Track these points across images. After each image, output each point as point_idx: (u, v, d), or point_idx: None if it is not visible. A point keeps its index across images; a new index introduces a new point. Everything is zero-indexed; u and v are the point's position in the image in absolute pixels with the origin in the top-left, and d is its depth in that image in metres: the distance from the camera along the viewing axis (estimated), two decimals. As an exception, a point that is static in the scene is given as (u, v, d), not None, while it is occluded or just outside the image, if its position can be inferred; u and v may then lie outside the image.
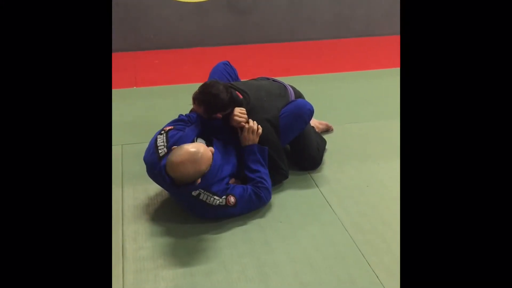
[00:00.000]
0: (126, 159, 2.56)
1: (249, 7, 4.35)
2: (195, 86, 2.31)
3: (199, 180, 1.97)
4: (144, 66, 3.98)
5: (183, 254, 1.93)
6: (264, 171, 2.19)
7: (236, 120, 2.20)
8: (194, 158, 1.92)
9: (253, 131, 2.20)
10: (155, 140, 2.11)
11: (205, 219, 2.08)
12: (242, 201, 2.08)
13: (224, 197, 2.04)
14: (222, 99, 2.15)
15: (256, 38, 4.48)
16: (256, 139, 2.22)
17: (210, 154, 1.99)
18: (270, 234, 2.05)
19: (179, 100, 3.13)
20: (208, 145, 2.12)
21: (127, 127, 2.92)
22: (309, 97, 2.91)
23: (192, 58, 4.16)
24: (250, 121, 2.21)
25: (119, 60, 4.07)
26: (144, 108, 3.21)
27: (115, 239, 1.99)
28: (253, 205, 2.13)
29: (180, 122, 2.23)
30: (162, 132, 2.14)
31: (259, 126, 2.22)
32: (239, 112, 2.21)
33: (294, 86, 2.67)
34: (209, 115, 2.20)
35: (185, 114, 2.29)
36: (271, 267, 1.87)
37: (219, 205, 2.03)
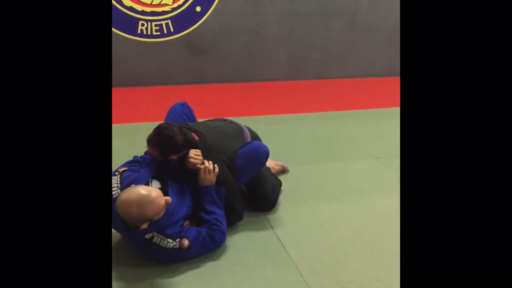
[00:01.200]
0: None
1: (207, 46, 4.43)
2: (153, 125, 2.29)
3: (145, 225, 1.93)
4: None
5: (134, 300, 1.87)
6: (219, 213, 2.18)
7: (191, 162, 2.20)
8: (142, 200, 1.88)
9: (209, 171, 2.20)
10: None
11: (159, 262, 2.04)
12: (196, 244, 2.06)
13: (178, 240, 2.01)
14: (176, 141, 2.15)
15: (215, 77, 4.54)
16: (214, 179, 2.21)
17: (161, 202, 1.94)
18: (225, 277, 2.02)
19: (136, 139, 3.08)
20: (163, 187, 2.11)
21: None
22: (266, 137, 2.96)
23: (150, 97, 4.16)
24: (206, 161, 2.22)
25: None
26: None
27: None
28: (208, 248, 2.11)
29: (134, 163, 2.21)
30: (116, 173, 2.11)
31: (215, 165, 2.23)
32: (194, 154, 2.21)
33: (250, 126, 2.71)
34: (164, 157, 2.19)
35: (140, 156, 2.27)
36: (225, 312, 1.84)
37: (172, 248, 2.00)
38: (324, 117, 3.96)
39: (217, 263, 2.10)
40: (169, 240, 1.98)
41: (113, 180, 2.06)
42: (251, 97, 4.36)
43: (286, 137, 3.48)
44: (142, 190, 1.91)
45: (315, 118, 3.90)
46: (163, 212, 1.97)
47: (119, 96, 4.12)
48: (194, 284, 1.97)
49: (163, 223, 1.98)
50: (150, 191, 1.92)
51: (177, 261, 2.05)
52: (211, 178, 2.20)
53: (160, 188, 2.08)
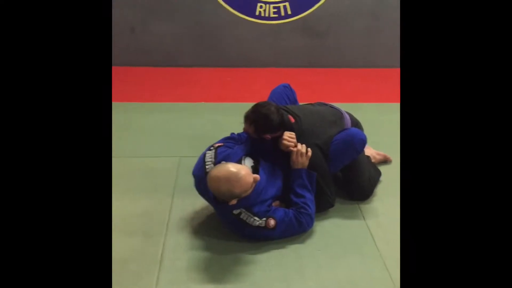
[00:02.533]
0: (182, 171, 2.65)
1: (324, 30, 4.36)
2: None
3: (234, 201, 1.98)
4: (216, 83, 4.12)
5: (217, 271, 1.96)
6: (309, 197, 2.17)
7: (284, 144, 2.21)
8: (230, 177, 1.93)
9: (302, 154, 2.20)
10: (204, 155, 2.18)
11: (244, 238, 2.10)
12: (282, 225, 2.08)
13: (264, 219, 2.05)
14: (272, 120, 2.18)
15: (329, 62, 4.46)
16: (306, 163, 2.21)
17: (249, 180, 1.97)
18: (306, 261, 2.02)
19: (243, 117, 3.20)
20: (255, 165, 2.15)
21: (188, 140, 3.03)
22: (372, 126, 2.87)
23: (264, 78, 4.23)
24: (299, 144, 2.21)
25: (193, 75, 4.25)
26: (208, 123, 3.31)
27: (156, 247, 2.07)
28: (293, 230, 2.12)
29: (230, 140, 2.28)
30: (212, 148, 2.20)
31: (309, 149, 2.21)
32: (288, 136, 2.22)
33: (358, 113, 2.63)
34: (259, 135, 2.23)
35: (237, 133, 2.34)
36: (301, 295, 1.85)
37: (258, 226, 2.04)
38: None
39: (301, 246, 2.11)
40: (255, 218, 2.03)
41: (208, 155, 2.16)
42: (365, 83, 4.22)
43: (394, 126, 3.30)
44: (231, 167, 1.97)
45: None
46: (251, 189, 2.02)
47: (235, 76, 4.27)
48: (274, 263, 2.00)
49: (251, 201, 2.03)
50: (239, 169, 1.96)
51: (262, 240, 2.09)
52: (303, 162, 2.19)
53: (252, 166, 2.14)
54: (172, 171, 2.67)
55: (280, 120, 2.21)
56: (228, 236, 2.13)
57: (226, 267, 1.98)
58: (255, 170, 2.14)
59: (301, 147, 2.20)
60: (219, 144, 2.22)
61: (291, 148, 2.20)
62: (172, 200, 2.41)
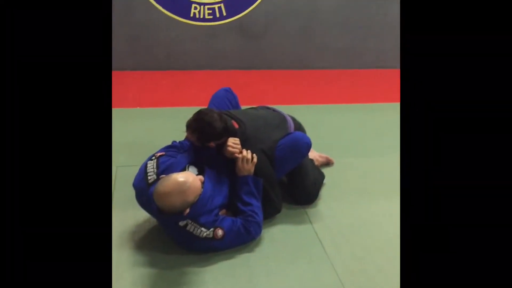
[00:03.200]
0: (119, 182, 2.52)
1: (260, 32, 4.35)
2: (198, 109, 2.27)
3: (187, 211, 1.91)
4: (151, 86, 3.98)
5: (165, 287, 1.86)
6: (256, 204, 2.13)
7: (229, 151, 2.15)
8: (181, 188, 1.85)
9: (247, 160, 2.15)
10: (145, 166, 2.08)
11: (191, 250, 2.02)
12: (230, 235, 2.02)
13: (212, 229, 1.98)
14: (215, 127, 2.11)
15: (266, 64, 4.47)
16: (252, 169, 2.16)
17: (198, 184, 1.92)
18: (256, 270, 1.97)
19: (181, 123, 3.09)
20: (200, 173, 2.07)
21: (124, 148, 2.89)
22: (313, 127, 2.88)
23: (200, 81, 4.16)
24: (244, 150, 2.16)
25: (126, 79, 4.09)
26: (144, 129, 3.18)
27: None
28: (242, 239, 2.06)
29: (172, 148, 2.19)
30: (153, 158, 2.10)
31: (254, 155, 2.17)
32: (233, 143, 2.16)
33: (299, 115, 2.63)
34: (202, 143, 2.16)
35: (178, 141, 2.25)
36: (253, 306, 1.80)
37: (206, 237, 1.97)
38: (376, 108, 3.79)
39: (250, 254, 2.06)
40: (202, 229, 1.96)
41: (149, 165, 2.06)
42: (302, 85, 4.26)
43: (334, 127, 3.36)
44: (178, 177, 1.88)
45: (367, 109, 3.75)
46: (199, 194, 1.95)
47: (170, 79, 4.15)
48: (225, 274, 1.93)
49: (197, 211, 1.95)
50: (186, 177, 1.89)
51: (210, 251, 2.02)
52: (249, 168, 2.15)
53: (197, 175, 2.06)
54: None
55: (223, 127, 2.14)
56: (174, 248, 2.04)
57: (174, 282, 1.89)
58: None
59: (246, 154, 2.15)
60: (161, 154, 2.13)
61: (236, 155, 2.15)
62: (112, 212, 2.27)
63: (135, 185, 2.09)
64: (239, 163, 2.14)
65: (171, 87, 4.01)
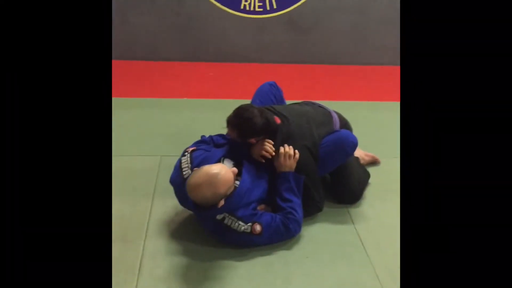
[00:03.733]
0: (162, 171, 2.53)
1: (310, 26, 4.26)
2: (245, 102, 2.26)
3: (222, 203, 1.88)
4: (199, 78, 3.99)
5: (199, 280, 1.84)
6: (296, 201, 2.07)
7: (259, 153, 2.12)
8: (212, 180, 1.83)
9: (289, 156, 2.10)
10: (179, 162, 2.09)
11: (228, 244, 1.99)
12: (269, 231, 1.98)
13: (250, 224, 1.94)
14: (255, 123, 2.07)
15: (314, 58, 4.37)
16: (293, 165, 2.11)
17: (230, 176, 1.89)
18: (294, 269, 1.92)
19: (226, 114, 3.09)
20: (236, 166, 2.05)
21: (170, 138, 2.91)
22: (360, 125, 2.79)
23: (248, 73, 4.12)
24: (286, 146, 2.11)
25: (174, 70, 4.11)
26: (190, 120, 3.19)
27: (135, 253, 1.95)
28: (280, 236, 2.02)
29: (202, 143, 2.20)
30: (186, 153, 2.10)
31: (296, 151, 2.11)
32: (266, 145, 2.12)
33: (344, 112, 2.55)
34: (243, 139, 2.12)
35: (209, 135, 2.25)
36: (289, 306, 1.75)
37: (243, 231, 1.93)
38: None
39: (288, 253, 2.01)
40: (240, 222, 1.92)
41: (183, 160, 2.06)
42: (351, 80, 4.14)
43: (382, 125, 3.24)
44: (208, 169, 1.86)
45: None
46: (234, 187, 1.93)
47: (218, 71, 4.15)
48: (261, 271, 1.90)
49: (234, 204, 1.92)
50: (217, 169, 1.86)
51: (248, 246, 1.99)
52: (291, 164, 2.09)
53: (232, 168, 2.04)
54: (152, 171, 2.54)
55: (264, 122, 2.10)
56: (211, 241, 2.02)
57: (208, 275, 1.87)
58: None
59: (289, 149, 2.10)
60: (193, 148, 2.13)
61: (265, 154, 2.11)
62: (152, 202, 2.28)
63: (172, 182, 2.10)
64: (281, 158, 2.09)
65: (218, 79, 4.00)
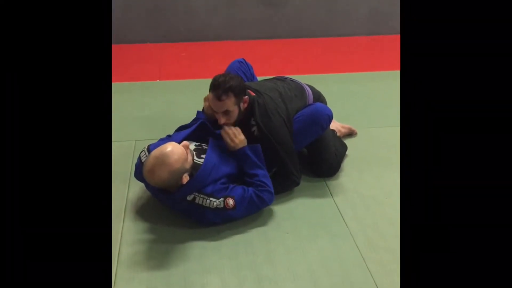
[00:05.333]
0: (136, 156, 2.48)
1: (281, 0, 4.20)
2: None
3: (185, 179, 1.86)
4: (171, 59, 3.92)
5: (180, 262, 1.83)
6: (262, 173, 2.05)
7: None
8: (162, 160, 1.81)
9: (234, 134, 2.07)
10: (139, 158, 2.08)
11: (206, 225, 1.98)
12: (243, 204, 1.96)
13: (221, 199, 1.92)
14: (240, 78, 2.08)
15: (287, 32, 4.33)
16: (244, 140, 2.08)
17: (180, 149, 1.86)
18: (275, 245, 1.92)
19: (201, 95, 3.03)
20: (199, 146, 2.06)
21: (143, 122, 2.86)
22: (336, 96, 2.78)
23: (220, 52, 4.06)
24: (226, 127, 2.08)
25: (145, 52, 4.04)
26: (164, 102, 3.13)
27: (113, 239, 1.92)
28: (256, 207, 2.02)
29: (164, 139, 2.19)
30: (143, 149, 2.08)
31: (237, 128, 2.09)
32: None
33: (319, 85, 2.53)
34: (239, 100, 2.07)
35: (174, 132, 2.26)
36: (271, 282, 1.75)
37: (217, 207, 1.91)
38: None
39: (268, 229, 2.01)
40: (211, 199, 1.91)
41: (142, 155, 2.06)
42: (325, 53, 4.11)
43: (358, 97, 3.24)
44: (156, 151, 1.86)
45: (392, 77, 3.59)
46: (191, 157, 1.92)
47: (190, 51, 4.08)
48: (242, 251, 1.89)
49: (202, 181, 1.91)
50: (163, 147, 1.85)
51: (225, 221, 1.98)
52: (241, 140, 2.07)
53: (197, 146, 2.06)
54: (127, 156, 2.50)
55: (245, 86, 2.08)
56: (189, 223, 2.00)
57: (189, 256, 1.85)
58: (200, 150, 2.04)
59: (229, 129, 2.08)
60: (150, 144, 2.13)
61: (222, 133, 2.09)
62: (128, 188, 2.25)
63: (138, 179, 2.11)
64: (227, 140, 2.07)
65: (191, 59, 3.94)
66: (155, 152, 1.85)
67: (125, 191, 2.22)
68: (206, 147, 2.06)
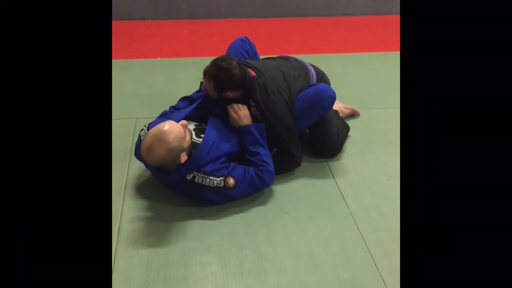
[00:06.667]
0: (137, 134, 2.46)
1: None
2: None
3: (183, 158, 1.85)
4: (172, 36, 3.87)
5: (179, 241, 1.83)
6: (264, 153, 2.04)
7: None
8: (159, 137, 1.79)
9: (239, 109, 2.07)
10: (139, 137, 2.08)
11: (207, 203, 1.97)
12: (243, 183, 1.95)
13: (222, 178, 1.91)
14: (234, 74, 2.01)
15: (291, 11, 4.26)
16: (249, 117, 2.07)
17: (178, 127, 1.85)
18: (275, 226, 1.91)
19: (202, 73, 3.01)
20: (199, 126, 2.05)
21: (144, 100, 2.83)
22: (339, 77, 2.75)
23: (223, 30, 4.01)
24: (233, 104, 2.08)
25: (146, 29, 3.99)
26: (165, 80, 3.11)
27: (113, 216, 1.91)
28: (256, 188, 2.01)
29: (163, 116, 2.18)
30: (143, 128, 2.08)
31: (243, 106, 2.08)
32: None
33: (323, 65, 2.50)
34: (219, 91, 2.06)
35: (173, 106, 2.29)
36: (271, 262, 1.75)
37: (217, 186, 1.90)
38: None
39: (268, 209, 2.00)
40: (211, 177, 1.90)
41: (141, 134, 2.07)
42: (329, 32, 4.06)
43: (362, 77, 3.20)
44: (153, 130, 1.84)
45: (397, 58, 3.54)
46: (189, 136, 1.92)
47: (192, 28, 4.03)
48: (242, 230, 1.88)
49: (201, 160, 1.90)
50: (161, 125, 1.84)
51: (224, 201, 1.97)
52: (245, 116, 2.06)
53: (196, 126, 2.05)
54: (127, 134, 2.48)
55: (243, 75, 2.04)
56: (190, 202, 1.99)
57: (189, 236, 1.85)
58: (200, 130, 2.02)
59: (234, 105, 2.08)
60: (151, 122, 2.12)
61: (228, 109, 2.09)
62: (128, 165, 2.23)
63: (138, 158, 2.10)
64: (232, 114, 2.06)
65: (193, 37, 3.89)
66: (152, 131, 1.84)
67: (125, 169, 2.21)
68: (205, 127, 2.04)
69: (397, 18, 4.29)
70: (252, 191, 2.00)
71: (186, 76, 3.10)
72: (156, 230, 1.87)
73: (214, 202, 1.96)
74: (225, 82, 2.04)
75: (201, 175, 1.88)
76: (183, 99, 2.31)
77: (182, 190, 1.97)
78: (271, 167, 2.02)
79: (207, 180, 1.89)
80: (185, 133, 1.88)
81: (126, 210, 1.97)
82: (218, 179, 1.90)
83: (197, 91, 2.30)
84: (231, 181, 1.92)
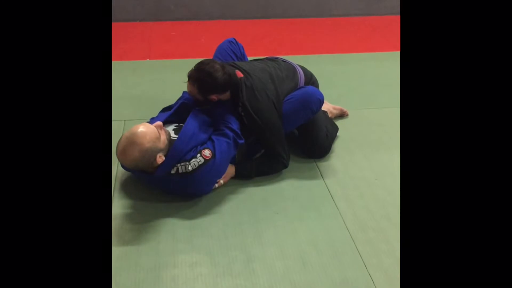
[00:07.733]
0: (126, 136, 2.46)
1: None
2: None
3: (159, 159, 1.86)
4: (160, 38, 3.86)
5: (169, 242, 1.82)
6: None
7: None
8: (132, 139, 1.81)
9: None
10: None
11: (198, 192, 2.00)
12: (221, 149, 1.96)
13: (198, 155, 1.92)
14: (216, 77, 2.02)
15: (280, 13, 4.28)
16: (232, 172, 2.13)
17: (151, 128, 1.86)
18: (264, 226, 1.92)
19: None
20: (178, 127, 2.05)
21: (133, 102, 2.82)
22: (328, 78, 2.76)
23: (211, 31, 4.01)
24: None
25: (135, 30, 3.97)
26: (153, 82, 3.10)
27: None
28: (232, 149, 2.03)
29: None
30: None
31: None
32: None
33: (311, 66, 2.51)
34: (203, 95, 2.07)
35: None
36: (260, 262, 1.75)
37: (199, 165, 1.91)
38: (396, 57, 3.61)
39: (258, 209, 2.00)
40: (191, 161, 1.91)
41: None
42: (316, 33, 4.08)
43: (350, 78, 3.22)
44: (126, 133, 1.87)
45: (385, 58, 3.58)
46: (165, 136, 1.91)
47: (180, 30, 4.02)
48: (231, 231, 1.88)
49: (180, 151, 1.90)
50: (134, 128, 1.86)
51: (213, 175, 1.99)
52: (229, 172, 2.11)
53: (176, 127, 2.05)
54: (116, 136, 2.41)
55: (226, 78, 2.04)
56: (178, 201, 2.00)
57: (178, 236, 1.85)
58: (179, 129, 2.03)
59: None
60: None
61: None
62: (117, 167, 2.22)
63: (123, 167, 2.09)
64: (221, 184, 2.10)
65: (181, 39, 3.88)
66: (126, 133, 1.86)
67: (114, 170, 2.20)
68: (182, 124, 2.05)
69: (385, 19, 4.34)
70: (230, 154, 2.03)
71: (175, 77, 3.08)
72: (145, 231, 1.87)
73: (205, 190, 1.99)
74: (208, 86, 2.05)
75: (182, 164, 1.90)
76: (163, 110, 2.29)
77: (169, 187, 1.98)
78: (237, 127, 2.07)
79: (189, 166, 1.89)
80: (159, 134, 1.88)
81: (114, 211, 1.96)
82: (197, 158, 1.91)
83: (178, 99, 2.28)
84: (206, 152, 1.93)
